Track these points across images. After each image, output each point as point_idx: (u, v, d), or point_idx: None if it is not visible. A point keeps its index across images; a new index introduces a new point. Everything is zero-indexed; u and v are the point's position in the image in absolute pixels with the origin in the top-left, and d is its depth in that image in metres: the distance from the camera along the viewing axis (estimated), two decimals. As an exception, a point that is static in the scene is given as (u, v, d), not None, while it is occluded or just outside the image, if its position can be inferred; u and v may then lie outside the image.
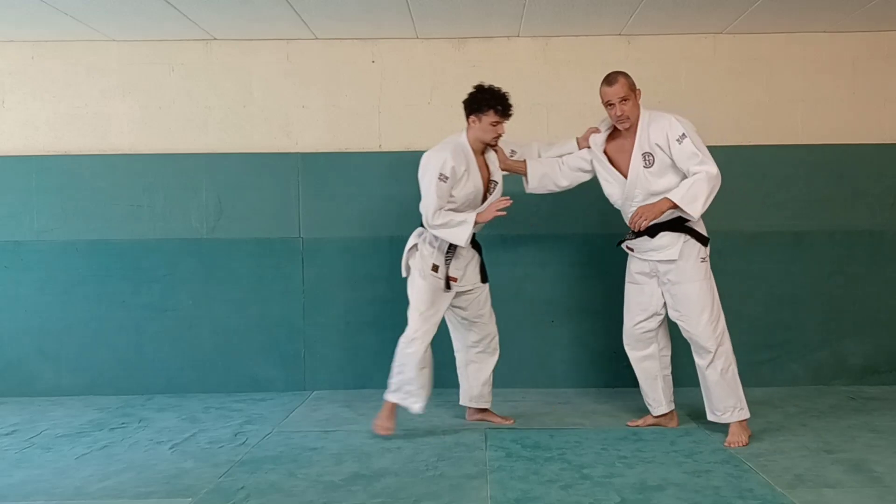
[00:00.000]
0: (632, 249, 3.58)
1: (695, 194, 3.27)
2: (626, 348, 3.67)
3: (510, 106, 3.47)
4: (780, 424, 3.69)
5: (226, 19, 4.20)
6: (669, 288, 3.46)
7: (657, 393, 3.64)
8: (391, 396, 3.56)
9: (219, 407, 4.19)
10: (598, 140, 3.60)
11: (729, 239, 4.50)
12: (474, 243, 3.68)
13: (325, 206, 4.55)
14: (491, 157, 3.62)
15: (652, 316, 3.56)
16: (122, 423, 3.88)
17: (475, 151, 3.53)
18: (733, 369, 3.42)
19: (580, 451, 3.29)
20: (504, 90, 3.47)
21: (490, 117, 3.44)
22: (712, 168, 3.27)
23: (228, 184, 4.54)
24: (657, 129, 3.37)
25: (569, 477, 2.96)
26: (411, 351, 3.51)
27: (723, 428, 3.61)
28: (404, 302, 4.53)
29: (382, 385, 4.50)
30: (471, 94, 3.49)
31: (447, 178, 3.39)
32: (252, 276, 4.54)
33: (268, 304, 4.54)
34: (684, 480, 2.91)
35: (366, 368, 4.54)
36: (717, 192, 4.46)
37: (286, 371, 4.56)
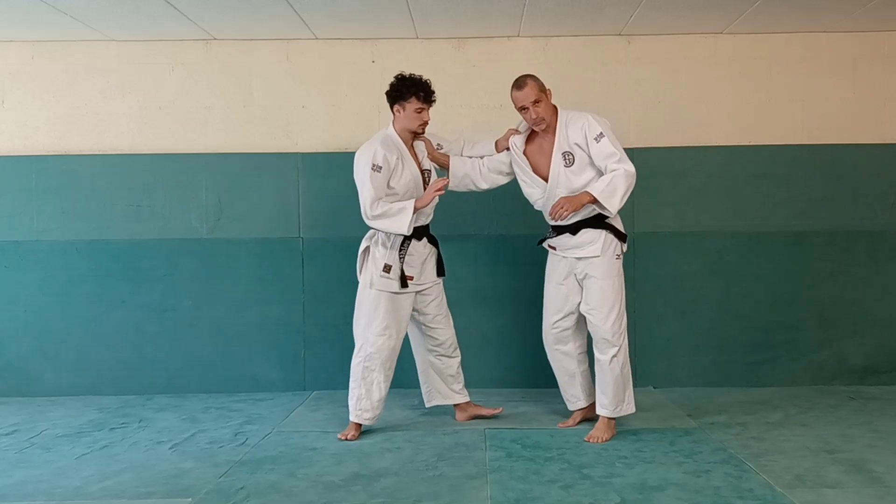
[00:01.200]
0: (553, 248, 3.61)
1: (613, 189, 3.32)
2: (545, 346, 3.71)
3: (433, 92, 3.53)
4: (780, 424, 3.69)
5: (226, 19, 4.20)
6: (582, 281, 3.51)
7: (575, 388, 3.69)
8: (352, 416, 3.58)
9: (219, 407, 4.19)
10: (517, 142, 3.63)
11: (729, 239, 4.51)
12: (430, 238, 3.69)
13: (325, 206, 4.54)
14: (419, 146, 3.65)
15: (567, 315, 3.61)
16: (122, 424, 3.88)
17: (405, 142, 3.56)
18: (629, 367, 3.51)
19: (580, 451, 3.29)
20: (425, 78, 3.53)
21: (413, 104, 3.49)
22: (629, 166, 3.34)
23: (228, 184, 4.54)
24: (575, 128, 3.43)
25: (569, 477, 2.96)
26: (368, 365, 3.55)
27: (723, 428, 3.61)
28: (404, 302, 4.55)
29: (382, 385, 4.52)
30: (392, 85, 3.54)
31: (380, 167, 3.40)
32: (252, 277, 4.54)
33: (268, 304, 4.54)
34: (684, 480, 2.91)
35: (366, 368, 4.54)
36: (718, 192, 4.52)
37: (286, 371, 4.56)
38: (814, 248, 4.53)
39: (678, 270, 4.50)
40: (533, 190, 3.58)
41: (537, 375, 4.53)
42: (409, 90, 3.48)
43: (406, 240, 3.54)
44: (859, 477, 2.93)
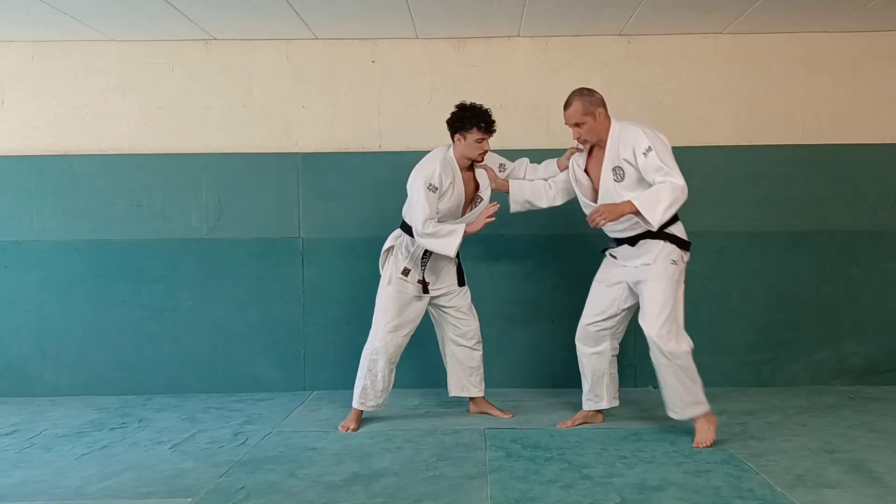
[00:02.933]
0: (615, 257, 3.57)
1: (656, 201, 3.24)
2: (578, 343, 3.70)
3: (493, 122, 3.56)
4: (780, 424, 3.69)
5: (226, 19, 4.20)
6: (638, 287, 3.46)
7: (601, 388, 3.68)
8: (354, 403, 3.72)
9: (219, 407, 4.19)
10: (579, 161, 3.61)
11: (729, 239, 4.51)
12: None
13: (325, 206, 4.55)
14: (481, 175, 3.72)
15: (610, 317, 3.60)
16: (122, 423, 3.88)
17: (461, 167, 3.62)
18: (693, 367, 3.38)
19: (580, 451, 3.29)
20: (486, 107, 3.56)
21: (474, 135, 3.54)
22: (677, 180, 3.23)
23: (228, 184, 4.54)
24: (625, 143, 3.35)
25: (569, 477, 2.96)
26: (375, 358, 3.69)
27: (723, 428, 3.61)
28: (404, 302, 4.55)
29: (382, 385, 4.52)
30: (453, 114, 3.59)
31: (436, 188, 3.50)
32: (252, 277, 4.54)
33: (268, 304, 4.54)
34: (684, 480, 2.91)
35: (366, 368, 4.54)
36: (718, 192, 4.51)
37: (286, 371, 4.56)
38: (814, 248, 4.53)
39: (678, 270, 4.50)
40: (588, 210, 3.53)
41: (537, 375, 4.54)
42: (470, 121, 3.53)
43: (428, 252, 3.63)
44: (859, 477, 2.93)
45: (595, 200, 3.49)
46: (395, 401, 4.22)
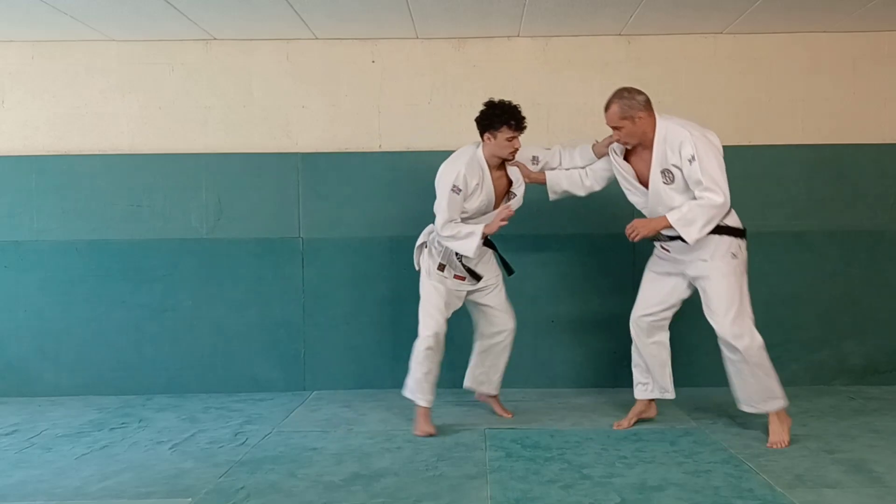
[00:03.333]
0: (668, 250, 3.51)
1: (691, 220, 3.22)
2: (634, 335, 3.65)
3: (523, 119, 3.47)
4: (780, 424, 3.69)
5: (226, 19, 4.20)
6: (699, 283, 3.43)
7: (665, 380, 3.66)
8: (406, 392, 3.68)
9: (219, 407, 4.19)
10: (617, 149, 3.54)
11: (729, 239, 4.50)
12: (487, 242, 3.72)
13: (325, 206, 4.55)
14: (513, 172, 3.65)
15: (670, 307, 3.58)
16: (122, 423, 3.88)
17: (491, 166, 3.55)
18: (767, 361, 3.36)
19: (580, 451, 3.29)
20: (515, 103, 3.47)
21: (504, 133, 3.45)
22: (716, 196, 3.19)
23: (228, 184, 4.54)
24: (672, 147, 3.27)
25: (569, 477, 2.96)
26: (421, 349, 3.61)
27: (723, 428, 3.61)
28: (404, 302, 4.55)
29: (382, 385, 4.53)
30: (482, 112, 3.49)
31: (460, 189, 3.44)
32: (252, 277, 4.54)
33: (268, 304, 4.54)
34: (684, 480, 2.91)
35: (366, 368, 4.54)
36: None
37: (286, 371, 4.56)
38: (814, 248, 4.53)
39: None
40: (637, 198, 3.50)
41: (537, 375, 4.54)
42: (500, 119, 3.44)
43: None
44: (859, 477, 2.93)
45: (645, 186, 3.43)
46: (395, 401, 4.23)
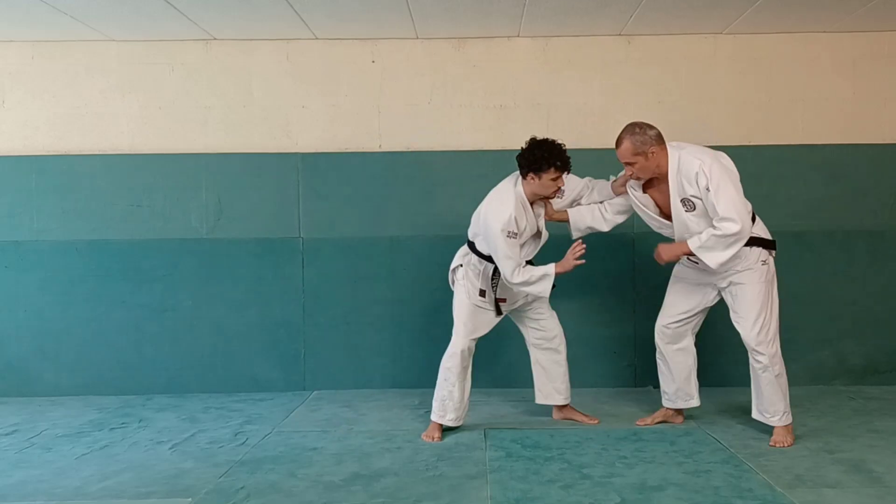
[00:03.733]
0: (696, 262, 3.47)
1: (709, 248, 3.23)
2: (659, 343, 3.64)
3: (569, 159, 3.40)
4: (780, 424, 3.68)
5: (226, 19, 4.20)
6: (729, 289, 3.43)
7: (690, 387, 3.66)
8: (434, 416, 3.57)
9: (219, 407, 4.19)
10: (634, 185, 3.51)
11: (729, 239, 4.50)
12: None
13: (325, 206, 4.55)
14: (537, 204, 3.57)
15: (694, 315, 3.59)
16: (122, 423, 3.88)
17: (530, 203, 3.49)
18: (784, 375, 3.42)
19: (580, 451, 3.29)
20: (560, 142, 3.39)
21: (550, 174, 3.37)
22: (733, 226, 3.16)
23: (228, 184, 4.54)
24: (688, 178, 3.25)
25: (569, 477, 2.96)
26: (449, 366, 3.54)
27: (723, 428, 3.61)
28: (404, 302, 4.56)
29: (382, 385, 4.53)
30: (527, 152, 3.38)
31: (515, 234, 3.37)
32: (252, 277, 4.54)
33: (268, 304, 4.54)
34: (684, 480, 2.91)
35: (366, 368, 4.54)
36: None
37: (286, 371, 4.56)
38: (814, 248, 4.53)
39: (678, 270, 4.49)
40: (664, 230, 3.51)
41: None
42: (547, 161, 3.34)
43: (497, 269, 3.51)
44: (859, 477, 2.93)
45: (668, 218, 3.43)
46: (395, 401, 4.23)
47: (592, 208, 3.67)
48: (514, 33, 4.51)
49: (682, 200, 3.32)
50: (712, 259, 3.23)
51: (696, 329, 3.67)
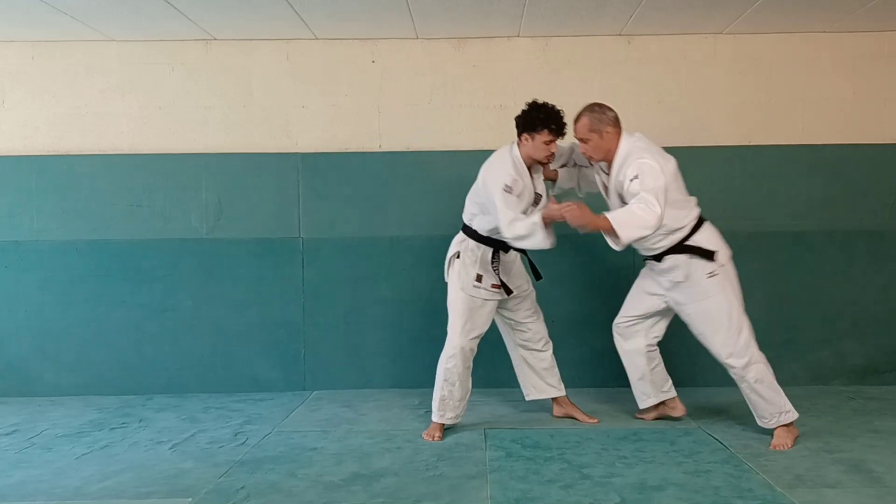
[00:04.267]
0: (652, 268, 3.54)
1: (624, 220, 3.17)
2: (614, 336, 3.71)
3: (564, 125, 3.40)
4: (780, 424, 3.68)
5: (226, 19, 4.20)
6: (680, 309, 3.46)
7: (645, 385, 3.68)
8: (434, 417, 3.57)
9: (219, 407, 4.19)
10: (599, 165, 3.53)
11: (729, 239, 4.49)
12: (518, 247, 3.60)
13: (325, 206, 4.55)
14: (537, 169, 3.57)
15: (643, 319, 3.62)
16: (122, 423, 3.88)
17: (527, 168, 3.47)
18: (768, 378, 3.37)
19: (580, 451, 3.29)
20: (559, 108, 3.40)
21: (543, 136, 3.37)
22: (650, 211, 3.12)
23: (228, 184, 4.54)
24: (626, 172, 3.27)
25: (569, 477, 2.96)
26: (450, 366, 3.52)
27: (723, 428, 3.61)
28: (404, 302, 4.56)
29: (382, 385, 4.53)
30: (524, 112, 3.42)
31: (511, 188, 3.35)
32: (252, 277, 4.54)
33: (268, 304, 4.54)
34: (684, 480, 2.91)
35: (366, 368, 4.55)
36: (718, 192, 4.52)
37: (286, 371, 4.56)
38: (814, 248, 4.53)
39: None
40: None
41: (537, 375, 4.53)
42: (542, 122, 3.36)
43: (496, 252, 3.53)
44: (859, 477, 2.93)
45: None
46: (395, 401, 4.23)
47: (572, 172, 3.71)
48: (514, 33, 4.51)
49: (618, 195, 3.34)
50: (625, 232, 3.16)
51: (655, 334, 3.65)
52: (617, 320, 3.69)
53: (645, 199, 3.15)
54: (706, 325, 3.39)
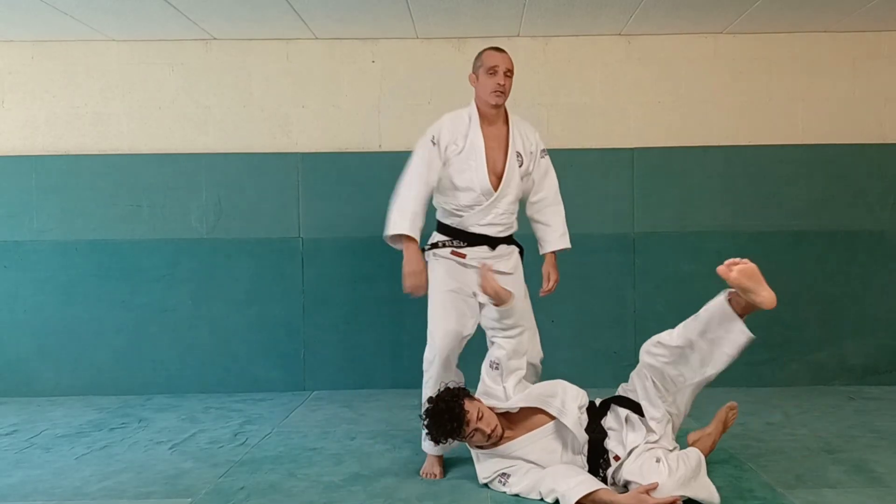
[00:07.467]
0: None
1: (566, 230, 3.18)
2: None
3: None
4: (780, 424, 3.69)
5: (225, 19, 4.20)
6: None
7: None
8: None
9: (219, 407, 4.19)
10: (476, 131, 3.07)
11: (729, 239, 4.51)
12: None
13: (325, 206, 4.55)
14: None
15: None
16: (122, 423, 3.88)
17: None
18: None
19: (580, 451, 3.28)
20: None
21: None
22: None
23: (228, 184, 4.54)
24: (527, 131, 3.10)
25: (569, 477, 2.95)
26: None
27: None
28: (405, 302, 4.54)
29: (382, 385, 4.53)
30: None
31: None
32: (252, 276, 4.54)
33: (267, 304, 4.54)
34: (684, 480, 2.90)
35: (366, 368, 4.54)
36: (718, 192, 4.53)
37: (286, 371, 4.56)
38: (814, 248, 4.53)
39: (678, 270, 4.50)
40: (477, 203, 3.09)
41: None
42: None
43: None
44: (859, 477, 2.93)
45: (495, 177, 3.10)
46: (395, 401, 4.23)
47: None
48: (514, 33, 4.51)
49: (517, 153, 3.04)
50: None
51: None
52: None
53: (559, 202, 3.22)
54: None
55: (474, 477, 2.96)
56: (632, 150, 4.50)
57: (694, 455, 2.64)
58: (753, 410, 3.94)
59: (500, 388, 2.84)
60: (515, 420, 2.79)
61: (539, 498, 2.65)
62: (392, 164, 4.51)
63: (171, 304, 4.54)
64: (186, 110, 4.57)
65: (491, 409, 2.75)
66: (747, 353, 4.64)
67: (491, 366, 2.89)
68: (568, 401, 2.78)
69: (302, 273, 4.56)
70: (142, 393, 4.49)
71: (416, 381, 4.39)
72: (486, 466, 2.81)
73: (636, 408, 2.74)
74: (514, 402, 2.78)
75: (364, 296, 4.55)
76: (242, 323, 4.55)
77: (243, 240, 4.55)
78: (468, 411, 2.67)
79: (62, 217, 4.53)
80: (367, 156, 4.55)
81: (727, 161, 4.53)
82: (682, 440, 2.93)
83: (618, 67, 4.55)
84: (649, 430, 2.68)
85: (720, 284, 4.76)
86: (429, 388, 3.00)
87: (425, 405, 2.79)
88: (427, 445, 3.00)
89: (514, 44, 4.56)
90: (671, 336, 2.67)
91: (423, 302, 4.48)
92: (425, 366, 3.08)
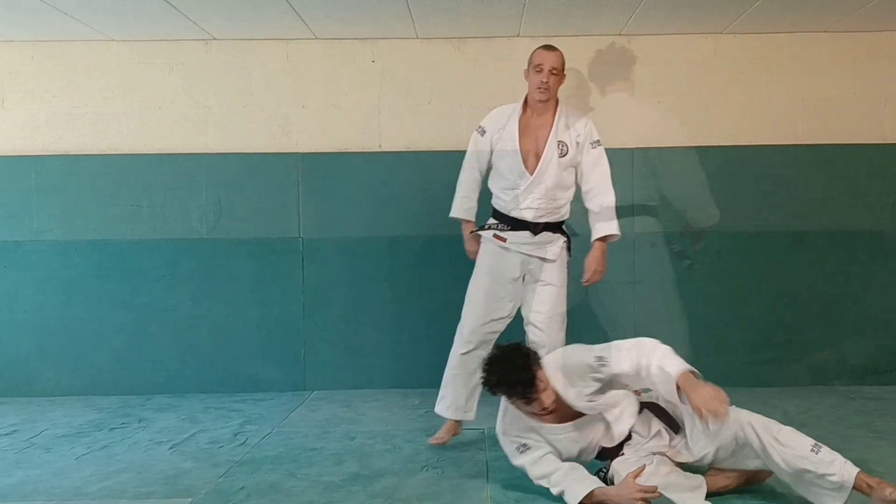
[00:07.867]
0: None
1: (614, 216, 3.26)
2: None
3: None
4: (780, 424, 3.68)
5: (225, 19, 4.20)
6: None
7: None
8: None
9: (219, 407, 4.19)
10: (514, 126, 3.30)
11: (729, 239, 4.50)
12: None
13: (325, 206, 4.55)
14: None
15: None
16: (122, 423, 3.88)
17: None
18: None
19: (580, 451, 3.28)
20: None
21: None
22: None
23: (228, 184, 4.54)
24: (577, 123, 3.22)
25: (569, 477, 2.95)
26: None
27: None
28: (404, 302, 4.56)
29: (382, 385, 4.53)
30: None
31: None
32: (252, 276, 4.54)
33: (267, 304, 4.54)
34: (684, 480, 2.89)
35: (366, 368, 4.54)
36: (718, 192, 4.52)
37: (286, 371, 4.55)
38: (814, 248, 4.53)
39: (678, 270, 4.50)
40: (515, 187, 3.32)
41: (537, 375, 4.53)
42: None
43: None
44: (859, 477, 2.92)
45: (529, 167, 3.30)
46: (395, 401, 4.23)
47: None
48: (514, 33, 4.51)
49: (559, 142, 3.20)
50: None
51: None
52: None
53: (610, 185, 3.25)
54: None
55: (474, 476, 2.96)
56: (632, 150, 4.50)
57: (696, 477, 2.63)
58: (753, 410, 3.92)
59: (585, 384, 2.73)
60: (561, 401, 2.73)
61: (546, 486, 2.65)
62: (392, 164, 4.55)
63: (171, 304, 4.54)
64: (186, 110, 4.57)
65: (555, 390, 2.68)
66: (748, 353, 4.66)
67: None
68: (625, 417, 2.76)
69: (302, 273, 4.56)
70: (142, 393, 4.49)
71: (417, 381, 4.42)
72: (512, 425, 2.78)
73: (669, 421, 2.77)
74: (584, 406, 2.72)
75: (364, 296, 4.55)
76: (242, 323, 4.55)
77: (243, 240, 4.55)
78: (540, 379, 2.63)
79: (62, 217, 4.53)
80: (367, 156, 4.55)
81: (727, 161, 4.52)
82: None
83: (618, 67, 4.55)
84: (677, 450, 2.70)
85: (720, 284, 4.78)
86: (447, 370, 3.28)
87: (493, 351, 2.78)
88: (442, 408, 3.30)
89: (514, 44, 4.57)
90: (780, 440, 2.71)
91: (422, 302, 4.50)
92: (453, 349, 3.33)
